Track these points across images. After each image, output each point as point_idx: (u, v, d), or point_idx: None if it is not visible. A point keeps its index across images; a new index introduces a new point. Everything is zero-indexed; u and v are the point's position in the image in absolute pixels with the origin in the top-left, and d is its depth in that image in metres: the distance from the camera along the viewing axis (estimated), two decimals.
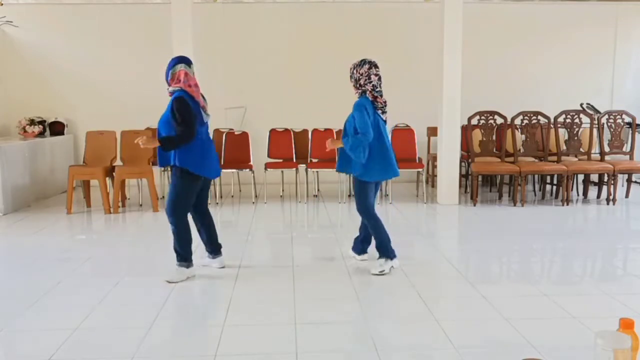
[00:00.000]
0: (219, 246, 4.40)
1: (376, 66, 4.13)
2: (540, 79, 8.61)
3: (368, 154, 4.06)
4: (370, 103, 4.09)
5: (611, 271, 4.46)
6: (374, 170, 4.12)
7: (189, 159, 3.97)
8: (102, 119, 7.69)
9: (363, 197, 4.23)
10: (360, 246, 4.58)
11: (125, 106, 8.13)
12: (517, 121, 7.08)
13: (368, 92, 4.10)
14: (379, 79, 4.12)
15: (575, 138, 7.01)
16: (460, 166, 7.23)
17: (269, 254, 5.14)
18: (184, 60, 4.04)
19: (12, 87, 8.30)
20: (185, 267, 4.13)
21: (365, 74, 4.10)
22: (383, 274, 4.17)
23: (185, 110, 3.89)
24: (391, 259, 4.25)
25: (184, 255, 4.13)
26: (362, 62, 4.15)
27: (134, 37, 8.25)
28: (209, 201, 4.52)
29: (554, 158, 7.03)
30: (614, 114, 7.09)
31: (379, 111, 4.12)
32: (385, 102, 4.14)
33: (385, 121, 4.16)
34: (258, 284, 4.08)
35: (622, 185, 7.31)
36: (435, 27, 6.98)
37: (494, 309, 3.45)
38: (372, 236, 4.34)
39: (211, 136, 4.84)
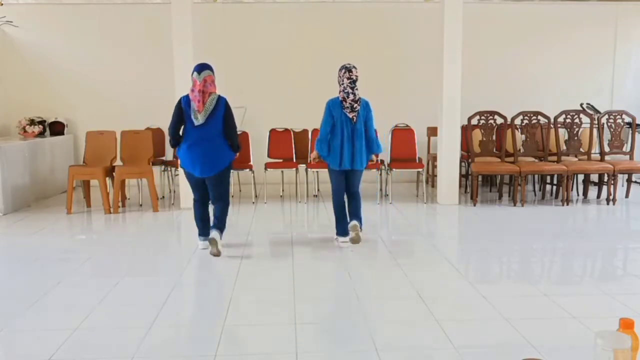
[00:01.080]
0: (214, 224, 4.72)
1: (349, 70, 4.82)
2: (540, 79, 8.61)
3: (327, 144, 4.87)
4: (338, 102, 4.83)
5: (611, 271, 4.46)
6: (329, 159, 4.89)
7: (179, 154, 4.65)
8: (102, 119, 7.70)
9: (331, 181, 5.03)
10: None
11: (125, 106, 8.14)
12: (517, 121, 7.08)
13: (339, 92, 4.85)
14: (351, 82, 4.80)
15: (575, 138, 7.01)
16: (460, 166, 7.23)
17: (269, 254, 5.14)
18: (195, 68, 4.54)
19: (12, 87, 8.30)
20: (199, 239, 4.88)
21: (340, 77, 4.86)
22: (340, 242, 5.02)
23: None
24: (337, 235, 5.05)
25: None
26: (341, 67, 4.89)
27: (134, 37, 8.25)
28: None
29: (554, 158, 7.03)
30: (614, 114, 7.09)
31: (346, 110, 4.80)
32: (353, 100, 4.80)
33: (352, 118, 4.80)
34: (258, 284, 4.08)
35: (622, 185, 7.31)
36: (435, 27, 6.98)
37: (494, 309, 3.45)
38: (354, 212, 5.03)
39: None
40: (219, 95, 4.53)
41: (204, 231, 4.80)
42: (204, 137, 4.48)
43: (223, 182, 4.68)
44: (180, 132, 4.62)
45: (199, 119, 4.43)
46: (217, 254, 4.57)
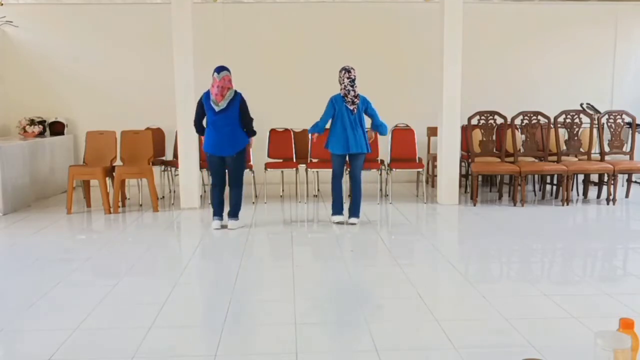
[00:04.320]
0: (231, 212, 5.68)
1: (349, 71, 5.66)
2: (540, 79, 8.60)
3: (331, 132, 5.71)
4: (340, 98, 5.67)
5: (611, 271, 4.46)
6: (332, 145, 5.72)
7: (205, 137, 5.56)
8: (102, 119, 7.69)
9: (332, 165, 5.83)
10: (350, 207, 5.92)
11: (125, 106, 8.13)
12: (517, 121, 7.07)
13: (340, 89, 5.69)
14: (350, 81, 5.64)
15: (575, 138, 7.00)
16: (460, 166, 7.22)
17: (269, 254, 5.15)
18: (215, 69, 5.42)
19: (12, 87, 8.29)
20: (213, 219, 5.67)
21: (341, 77, 5.70)
22: (334, 222, 5.82)
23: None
24: (333, 214, 5.85)
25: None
26: (341, 69, 5.72)
27: (134, 37, 8.25)
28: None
29: (554, 158, 7.02)
30: (614, 114, 7.09)
31: (347, 103, 5.64)
32: (354, 96, 5.64)
33: (352, 110, 5.64)
34: (258, 284, 4.09)
35: (622, 185, 7.31)
36: (435, 27, 6.98)
37: (494, 309, 3.45)
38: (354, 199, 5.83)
39: None
40: (236, 91, 5.47)
41: (218, 212, 5.67)
42: (223, 123, 5.39)
43: (240, 165, 5.59)
44: (204, 123, 5.57)
45: (219, 105, 5.35)
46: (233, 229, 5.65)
